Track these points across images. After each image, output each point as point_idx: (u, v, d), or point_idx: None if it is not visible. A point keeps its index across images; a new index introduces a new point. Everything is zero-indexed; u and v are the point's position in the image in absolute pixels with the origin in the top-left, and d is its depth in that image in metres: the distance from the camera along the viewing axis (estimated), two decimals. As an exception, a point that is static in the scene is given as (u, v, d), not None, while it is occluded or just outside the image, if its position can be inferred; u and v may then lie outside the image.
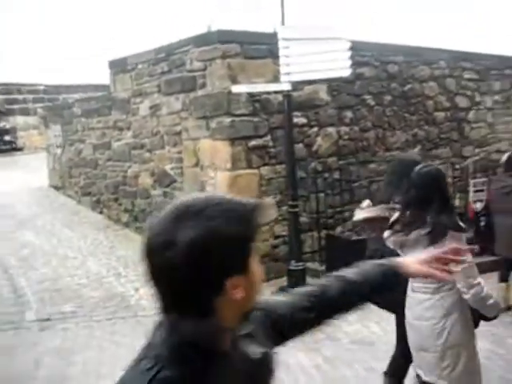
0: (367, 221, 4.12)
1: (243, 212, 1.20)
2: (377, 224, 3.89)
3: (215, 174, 7.79)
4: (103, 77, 11.30)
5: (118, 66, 10.22)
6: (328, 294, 1.60)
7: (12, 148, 21.82)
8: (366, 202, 4.54)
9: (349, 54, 6.92)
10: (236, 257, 1.19)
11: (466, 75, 10.90)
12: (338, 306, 1.64)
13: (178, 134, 8.60)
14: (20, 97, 22.59)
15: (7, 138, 22.11)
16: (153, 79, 9.17)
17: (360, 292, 1.65)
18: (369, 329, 6.09)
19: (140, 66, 9.54)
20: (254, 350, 1.34)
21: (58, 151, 13.68)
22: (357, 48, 7.74)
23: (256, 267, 1.27)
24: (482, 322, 3.45)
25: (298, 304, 1.58)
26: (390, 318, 6.30)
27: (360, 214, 4.23)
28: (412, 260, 1.70)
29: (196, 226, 1.14)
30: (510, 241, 6.41)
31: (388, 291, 1.73)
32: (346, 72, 7.03)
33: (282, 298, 1.64)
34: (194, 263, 1.13)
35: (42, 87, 22.92)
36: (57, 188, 14.01)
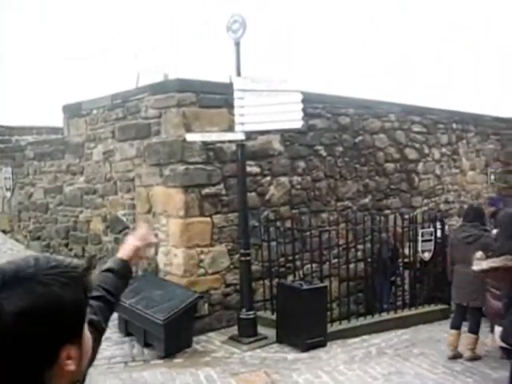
0: (491, 270, 4.39)
1: (77, 275, 1.13)
2: (501, 273, 4.30)
3: (167, 221, 7.76)
4: (58, 120, 11.22)
5: (73, 111, 10.18)
6: None
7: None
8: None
9: (301, 105, 7.10)
10: (72, 324, 1.11)
11: (415, 128, 11.30)
12: None
13: (131, 180, 8.57)
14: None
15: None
16: (107, 125, 9.16)
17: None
18: (320, 378, 6.07)
19: (95, 112, 9.53)
20: None
21: (8, 194, 13.39)
22: (309, 100, 7.96)
23: (87, 334, 1.17)
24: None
25: None
26: (340, 368, 6.36)
27: (483, 265, 4.52)
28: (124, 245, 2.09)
29: (27, 292, 1.04)
30: (468, 290, 6.58)
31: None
32: (298, 123, 7.20)
33: None
34: (23, 335, 1.02)
35: (-6, 128, 22.53)
36: (4, 232, 13.64)
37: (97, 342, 1.43)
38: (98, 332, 1.59)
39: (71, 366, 1.09)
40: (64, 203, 10.67)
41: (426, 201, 11.51)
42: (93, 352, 1.27)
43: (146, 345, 6.89)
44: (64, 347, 1.08)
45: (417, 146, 11.33)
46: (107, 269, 1.96)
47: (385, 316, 8.39)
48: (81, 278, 1.14)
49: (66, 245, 10.68)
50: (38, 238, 11.87)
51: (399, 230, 9.08)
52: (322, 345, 7.12)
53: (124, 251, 2.03)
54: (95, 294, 1.75)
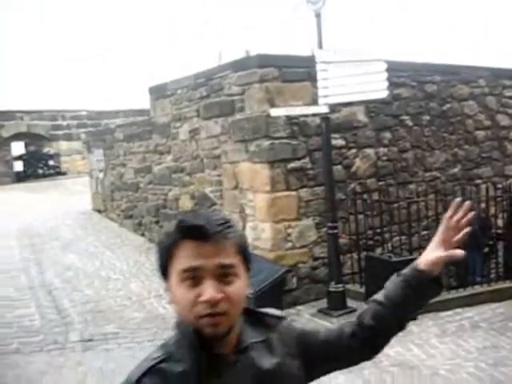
0: None
1: (174, 223, 1.35)
2: None
3: (254, 197, 7.85)
4: (144, 102, 11.56)
5: (158, 92, 10.46)
6: (364, 320, 1.53)
7: (56, 172, 22.41)
8: None
9: (386, 75, 6.94)
10: (161, 261, 1.36)
11: (507, 93, 10.77)
12: (376, 330, 1.52)
13: (218, 157, 8.72)
14: (64, 123, 23.21)
15: (51, 162, 22.71)
16: (192, 104, 9.35)
17: (389, 311, 1.53)
18: (411, 352, 6.01)
19: (179, 92, 9.74)
20: (266, 360, 1.37)
21: (101, 175, 13.99)
22: (393, 69, 7.76)
23: (176, 283, 1.31)
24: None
25: (339, 332, 1.54)
26: (432, 342, 6.26)
27: None
28: (428, 248, 1.54)
29: None
30: None
31: (423, 295, 1.55)
32: (383, 93, 7.05)
33: (320, 327, 1.58)
34: None
35: (84, 113, 23.52)
36: (99, 211, 14.30)
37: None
38: None
39: (168, 296, 1.38)
40: (153, 182, 11.03)
41: (520, 169, 11.01)
42: None
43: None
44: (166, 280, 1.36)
45: (509, 111, 10.80)
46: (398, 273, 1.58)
47: (478, 289, 8.14)
48: (173, 227, 1.37)
49: (157, 222, 11.06)
50: (131, 217, 12.35)
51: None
52: (412, 318, 6.99)
53: (424, 258, 1.53)
54: None
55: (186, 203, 9.81)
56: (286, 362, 1.41)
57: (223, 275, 1.27)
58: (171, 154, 10.18)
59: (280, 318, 1.48)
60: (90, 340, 6.61)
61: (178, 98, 9.78)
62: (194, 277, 1.27)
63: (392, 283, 1.54)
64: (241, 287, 1.30)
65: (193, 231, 1.29)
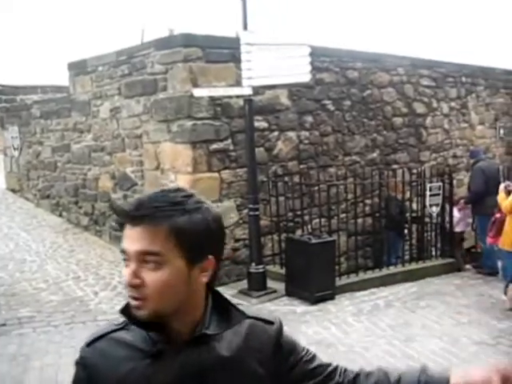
0: None
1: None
2: None
3: (176, 177, 7.78)
4: (63, 78, 11.14)
5: (78, 68, 10.11)
6: (363, 382, 1.46)
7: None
8: None
9: (309, 59, 7.02)
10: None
11: (424, 82, 11.16)
12: None
13: (139, 137, 8.56)
14: (-24, 97, 22.04)
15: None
16: (113, 81, 9.10)
17: None
18: (328, 330, 6.18)
19: (100, 68, 9.45)
20: (213, 354, 1.33)
21: (16, 153, 13.43)
22: (317, 54, 7.87)
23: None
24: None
25: (331, 373, 1.48)
26: (348, 320, 6.46)
27: None
28: (470, 369, 1.34)
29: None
30: None
31: None
32: (306, 77, 7.13)
33: (316, 356, 1.50)
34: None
35: (-1, 88, 22.43)
36: (14, 191, 13.74)
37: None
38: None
39: (204, 277, 1.34)
40: (72, 161, 10.70)
41: (434, 155, 11.46)
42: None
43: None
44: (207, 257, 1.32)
45: (425, 99, 11.21)
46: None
47: (392, 269, 8.47)
48: None
49: (76, 202, 10.75)
50: (48, 197, 11.95)
51: (399, 184, 9.07)
52: (330, 298, 7.21)
53: (460, 375, 1.34)
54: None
55: (106, 183, 9.59)
56: (243, 362, 1.36)
57: (145, 261, 1.25)
58: (91, 133, 9.90)
59: (245, 316, 1.42)
60: (3, 325, 6.36)
61: (99, 75, 9.50)
62: (125, 258, 1.28)
63: (413, 376, 1.41)
64: (165, 275, 1.25)
65: (118, 214, 1.29)
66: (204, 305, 1.36)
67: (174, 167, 7.80)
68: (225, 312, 1.39)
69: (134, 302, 1.27)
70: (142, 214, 1.24)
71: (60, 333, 6.16)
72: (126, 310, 1.31)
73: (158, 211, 1.24)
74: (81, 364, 1.37)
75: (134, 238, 1.25)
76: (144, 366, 1.30)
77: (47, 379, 5.02)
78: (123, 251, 1.28)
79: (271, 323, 1.45)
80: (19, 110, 13.50)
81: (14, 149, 13.46)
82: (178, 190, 1.33)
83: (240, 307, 1.44)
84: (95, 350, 1.35)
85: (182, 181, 7.64)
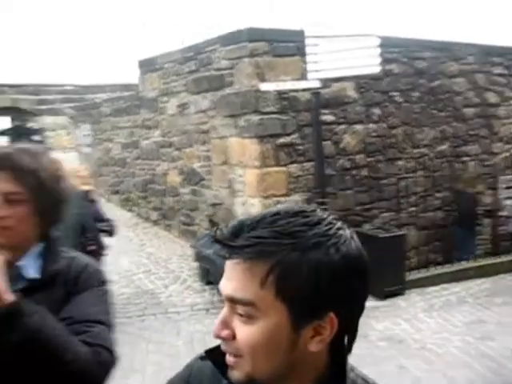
0: None
1: None
2: None
3: (243, 172, 7.82)
4: (129, 77, 11.42)
5: (147, 66, 10.33)
6: None
7: (41, 147, 22.10)
8: None
9: (378, 50, 6.89)
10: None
11: (496, 70, 10.76)
12: None
13: (206, 132, 8.66)
14: (49, 97, 22.89)
15: (36, 138, 22.44)
16: (180, 78, 9.25)
17: None
18: (399, 326, 6.08)
19: (167, 66, 9.62)
20: None
21: (88, 150, 13.86)
22: (385, 44, 7.71)
23: None
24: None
25: None
26: (419, 316, 6.34)
27: None
28: None
29: None
30: None
31: None
32: (375, 69, 6.99)
33: None
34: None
35: (70, 87, 23.21)
36: (86, 186, 14.17)
37: None
38: None
39: (318, 342, 0.95)
40: (141, 157, 10.95)
41: (507, 146, 11.03)
42: None
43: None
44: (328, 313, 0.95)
45: (498, 89, 10.79)
46: None
47: (464, 265, 8.23)
48: None
49: (145, 197, 11.00)
50: (117, 192, 12.28)
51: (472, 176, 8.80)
52: (400, 293, 7.09)
53: None
54: None
55: (175, 178, 9.76)
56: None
57: (237, 309, 0.94)
58: (159, 129, 10.10)
59: None
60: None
61: (166, 72, 9.67)
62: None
63: None
64: (258, 332, 0.92)
65: (215, 239, 0.97)
66: (318, 377, 0.99)
67: (242, 162, 7.84)
68: None
69: (228, 358, 0.98)
70: (238, 244, 0.93)
71: (132, 324, 6.33)
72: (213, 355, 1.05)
73: (258, 243, 0.91)
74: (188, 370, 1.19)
75: (228, 276, 0.95)
76: None
77: (121, 367, 5.15)
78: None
79: None
80: (90, 109, 13.94)
81: (87, 146, 13.89)
82: (300, 212, 0.97)
83: None
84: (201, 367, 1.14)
85: (250, 175, 7.68)
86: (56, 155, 1.84)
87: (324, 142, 7.51)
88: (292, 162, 7.81)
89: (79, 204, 4.60)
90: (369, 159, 8.64)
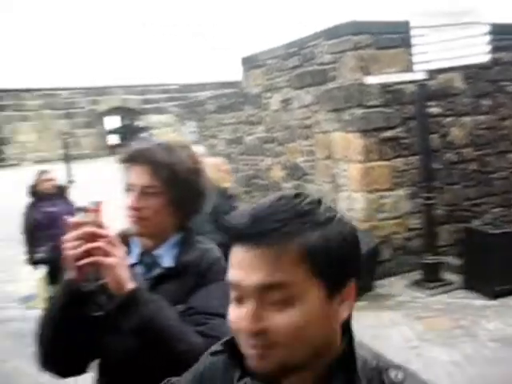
0: None
1: None
2: None
3: (347, 167, 7.79)
4: (230, 74, 11.66)
5: (250, 63, 10.51)
6: None
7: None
8: None
9: (487, 38, 6.63)
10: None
11: None
12: None
13: (309, 127, 8.70)
14: (153, 96, 23.86)
15: (144, 135, 23.45)
16: (283, 73, 9.33)
17: None
18: (510, 326, 5.83)
19: (270, 62, 9.74)
20: None
21: (198, 148, 14.29)
22: (494, 31, 7.38)
23: None
24: None
25: None
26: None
27: None
28: None
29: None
30: None
31: None
32: (484, 57, 6.73)
33: None
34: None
35: (174, 86, 24.05)
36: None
37: None
38: None
39: (345, 310, 1.00)
40: (245, 153, 11.17)
41: None
42: None
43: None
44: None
45: None
46: None
47: None
48: None
49: (248, 192, 11.21)
50: (222, 187, 12.58)
51: None
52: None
53: None
54: None
55: (278, 173, 9.88)
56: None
57: (268, 298, 0.92)
58: (263, 125, 10.25)
59: None
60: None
61: (269, 68, 9.79)
62: (236, 294, 0.97)
63: None
64: (298, 315, 0.92)
65: (227, 232, 0.98)
66: (334, 354, 0.99)
67: (346, 156, 7.81)
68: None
69: (252, 351, 0.94)
70: (260, 230, 0.92)
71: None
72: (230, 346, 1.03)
73: (284, 226, 0.92)
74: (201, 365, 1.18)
75: (249, 266, 0.93)
76: None
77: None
78: (233, 285, 0.96)
79: None
80: (195, 106, 14.37)
81: (193, 142, 14.34)
82: (299, 195, 0.99)
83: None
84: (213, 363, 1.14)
85: (354, 169, 7.64)
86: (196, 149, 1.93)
87: (430, 135, 7.33)
88: (396, 156, 7.68)
89: (218, 199, 4.71)
90: (477, 152, 8.32)
